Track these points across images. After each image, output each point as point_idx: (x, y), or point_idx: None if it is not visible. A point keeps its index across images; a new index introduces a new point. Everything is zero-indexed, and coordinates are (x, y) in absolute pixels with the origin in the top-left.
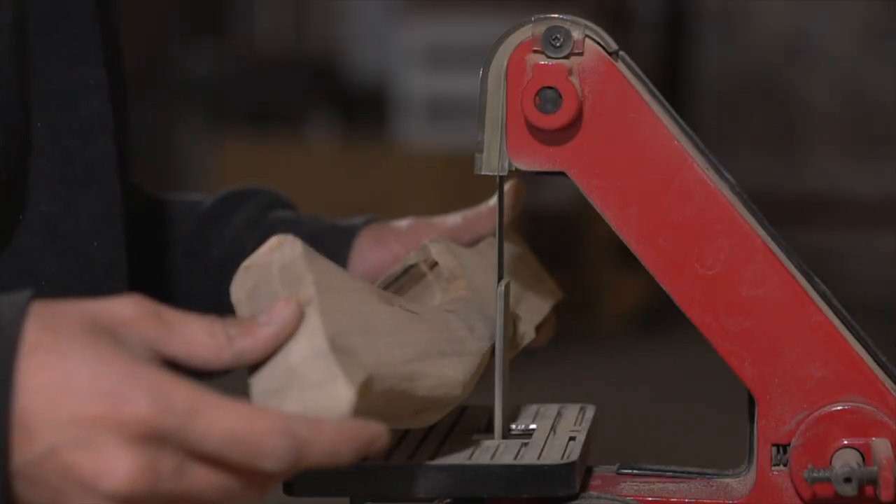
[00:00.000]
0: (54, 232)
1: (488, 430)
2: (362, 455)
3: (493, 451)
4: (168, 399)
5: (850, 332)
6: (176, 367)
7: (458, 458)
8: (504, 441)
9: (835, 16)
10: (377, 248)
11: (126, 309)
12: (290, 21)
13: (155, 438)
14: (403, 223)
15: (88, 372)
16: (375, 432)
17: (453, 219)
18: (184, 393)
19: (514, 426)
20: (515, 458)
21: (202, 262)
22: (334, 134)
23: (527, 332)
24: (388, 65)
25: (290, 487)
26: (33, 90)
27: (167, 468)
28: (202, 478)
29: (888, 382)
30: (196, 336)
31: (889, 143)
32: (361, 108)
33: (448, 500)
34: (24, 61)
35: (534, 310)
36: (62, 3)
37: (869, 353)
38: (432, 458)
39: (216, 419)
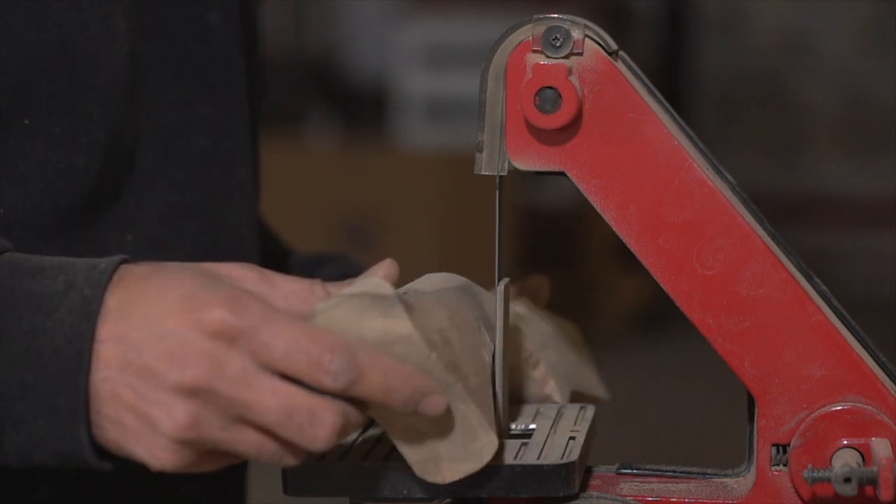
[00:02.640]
0: (160, 255)
1: None
2: (413, 405)
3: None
4: (243, 304)
5: (850, 332)
6: None
7: None
8: (504, 441)
9: (835, 16)
10: None
11: (234, 268)
12: (290, 21)
13: (227, 337)
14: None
15: (180, 286)
16: (431, 388)
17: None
18: (258, 303)
19: (513, 426)
20: (515, 458)
21: None
22: (334, 134)
23: (555, 391)
24: (388, 65)
25: (290, 487)
26: (147, 123)
27: (235, 368)
28: (270, 388)
29: (888, 382)
30: (297, 292)
31: (889, 143)
32: (361, 108)
33: (448, 500)
34: (139, 94)
35: (577, 383)
36: (178, 42)
37: (869, 353)
38: None
39: (285, 328)
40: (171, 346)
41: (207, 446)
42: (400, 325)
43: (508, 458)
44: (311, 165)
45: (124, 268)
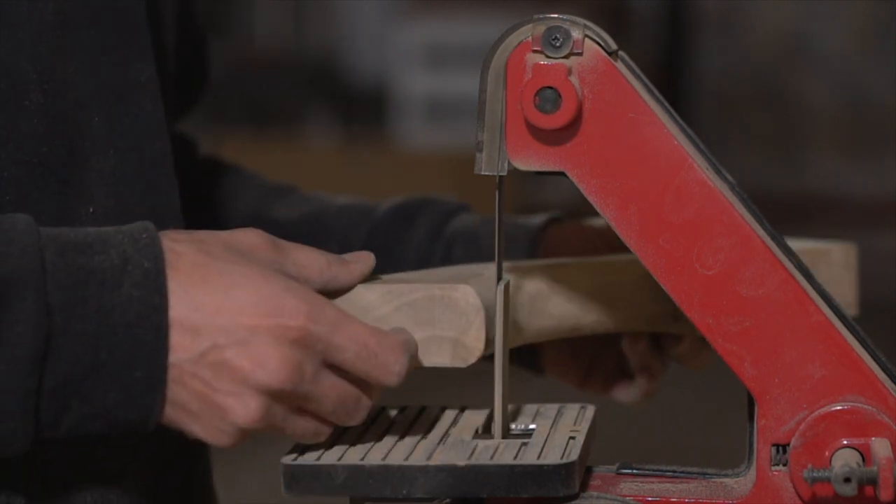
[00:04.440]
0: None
1: (488, 430)
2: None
3: (493, 451)
4: (319, 311)
5: (850, 332)
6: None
7: (458, 458)
8: (504, 441)
9: (835, 16)
10: (576, 244)
11: (250, 237)
12: (290, 21)
13: (306, 343)
14: (601, 221)
15: (251, 285)
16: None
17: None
18: (331, 308)
19: (514, 426)
20: (515, 458)
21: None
22: (334, 134)
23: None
24: (388, 65)
25: (290, 487)
26: (90, 86)
27: (309, 370)
28: (330, 383)
29: (888, 382)
30: (310, 263)
31: (889, 143)
32: (361, 108)
33: (448, 500)
34: (78, 54)
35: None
36: (112, 1)
37: (869, 353)
38: (432, 458)
39: (356, 332)
40: (254, 349)
41: (265, 431)
42: None
43: (508, 458)
44: (311, 165)
45: (164, 243)
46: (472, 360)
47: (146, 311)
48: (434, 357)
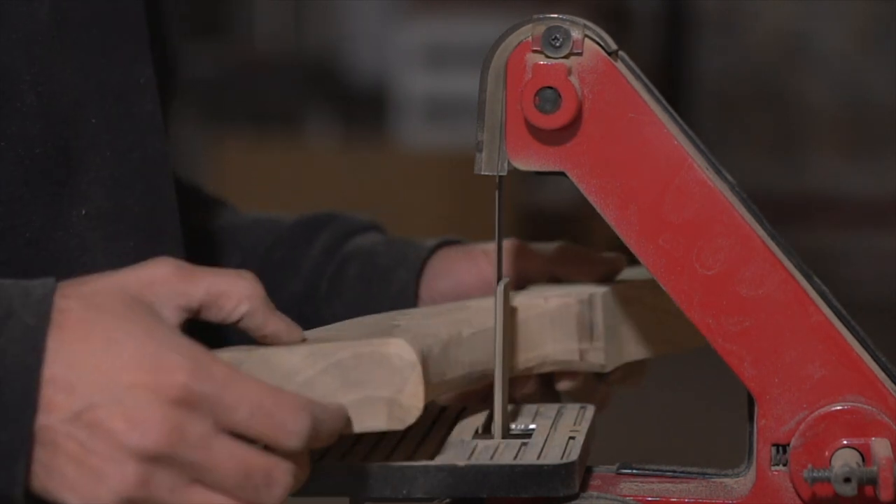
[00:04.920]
0: (107, 230)
1: (488, 430)
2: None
3: (492, 451)
4: (207, 367)
5: (850, 332)
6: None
7: (458, 458)
8: (504, 441)
9: (835, 16)
10: (461, 266)
11: (152, 270)
12: (290, 21)
13: (189, 403)
14: (488, 246)
15: (133, 341)
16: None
17: (547, 248)
18: (220, 365)
19: (513, 426)
20: (515, 458)
21: (282, 294)
22: (334, 134)
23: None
24: (388, 65)
25: None
26: (89, 87)
27: (195, 433)
28: (228, 452)
29: (888, 382)
30: (222, 286)
31: (889, 143)
32: (361, 108)
33: (448, 500)
34: (77, 55)
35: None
36: (112, 2)
37: (869, 353)
38: (432, 458)
39: (248, 390)
40: (129, 408)
41: None
42: None
43: (508, 458)
44: (311, 165)
45: (56, 299)
46: (411, 420)
47: (17, 368)
48: (367, 421)
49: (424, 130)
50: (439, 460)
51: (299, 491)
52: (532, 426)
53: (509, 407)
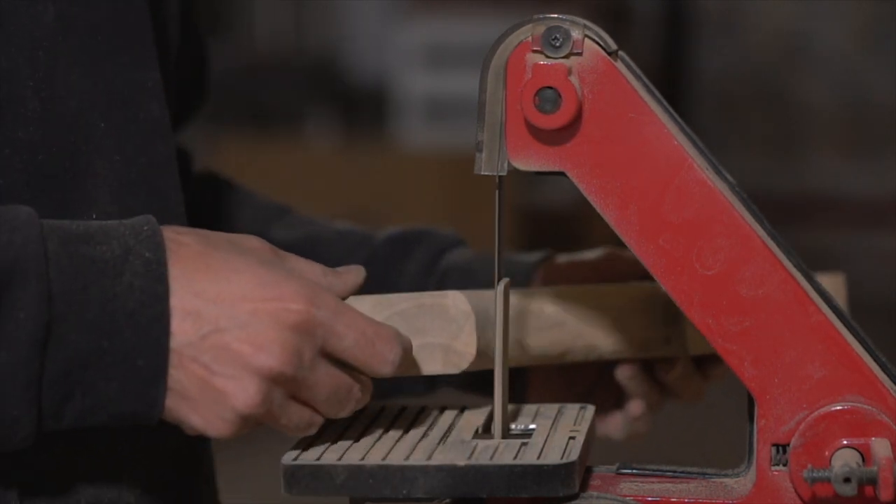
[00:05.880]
0: None
1: (488, 430)
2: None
3: (492, 451)
4: (321, 298)
5: (850, 332)
6: None
7: (458, 458)
8: (504, 441)
9: (835, 16)
10: (566, 278)
11: (251, 241)
12: (290, 21)
13: (305, 328)
14: (593, 254)
15: (251, 271)
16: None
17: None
18: (331, 297)
19: (513, 426)
20: (515, 458)
21: None
22: (334, 134)
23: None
24: (388, 65)
25: (290, 487)
26: (96, 91)
27: (307, 356)
28: (326, 371)
29: (888, 382)
30: (302, 267)
31: (889, 143)
32: (361, 108)
33: (448, 500)
34: (83, 60)
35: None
36: (117, 7)
37: (869, 353)
38: (432, 458)
39: (355, 320)
40: (254, 333)
41: (263, 420)
42: None
43: (508, 458)
44: (311, 165)
45: (166, 234)
46: (465, 365)
47: (147, 299)
48: (426, 365)
49: (424, 130)
50: (439, 460)
51: (301, 490)
52: (532, 426)
53: (509, 407)
